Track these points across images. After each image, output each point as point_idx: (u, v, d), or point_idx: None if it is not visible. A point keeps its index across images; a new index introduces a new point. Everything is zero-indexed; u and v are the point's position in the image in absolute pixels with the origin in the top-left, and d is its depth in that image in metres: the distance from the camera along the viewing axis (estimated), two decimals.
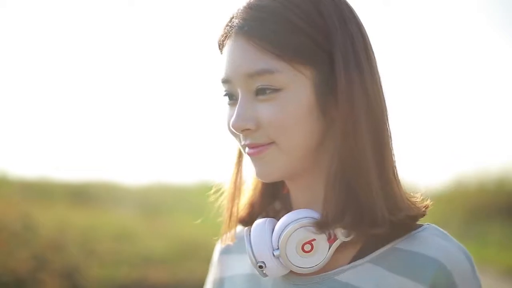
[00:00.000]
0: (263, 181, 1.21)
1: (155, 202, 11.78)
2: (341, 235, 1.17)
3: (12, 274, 5.80)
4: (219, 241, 1.37)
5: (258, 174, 1.19)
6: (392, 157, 1.19)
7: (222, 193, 1.31)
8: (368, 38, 1.20)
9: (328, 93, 1.16)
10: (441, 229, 1.21)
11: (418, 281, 1.13)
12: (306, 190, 1.22)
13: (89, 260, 6.53)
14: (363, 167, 1.15)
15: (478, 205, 13.53)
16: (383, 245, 1.18)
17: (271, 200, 1.29)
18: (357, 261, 1.18)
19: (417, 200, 1.21)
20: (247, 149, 1.18)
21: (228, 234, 1.30)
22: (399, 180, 1.19)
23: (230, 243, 1.30)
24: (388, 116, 1.20)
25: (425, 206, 1.21)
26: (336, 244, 1.18)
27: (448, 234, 1.20)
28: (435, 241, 1.17)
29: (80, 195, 11.24)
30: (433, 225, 1.21)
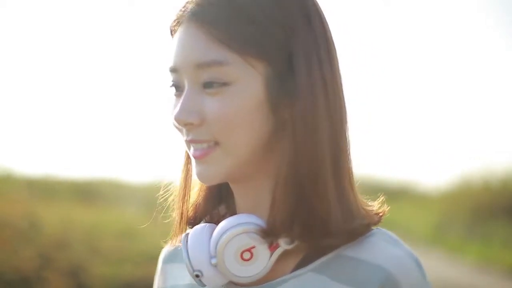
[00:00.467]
0: (204, 183, 1.14)
1: (161, 201, 11.78)
2: (283, 243, 1.09)
3: (16, 272, 5.81)
4: (165, 248, 1.29)
5: (199, 176, 1.11)
6: (349, 163, 1.12)
7: (172, 192, 1.23)
8: (331, 37, 1.13)
9: (281, 91, 1.09)
10: (391, 234, 1.12)
11: None
12: (250, 194, 1.14)
13: (94, 258, 6.54)
14: (320, 173, 1.07)
15: (483, 204, 13.51)
16: (328, 252, 1.10)
17: (217, 203, 1.20)
18: (300, 270, 1.11)
19: (372, 208, 1.13)
20: (192, 150, 1.11)
21: (178, 237, 1.21)
22: (354, 188, 1.12)
23: (180, 245, 1.20)
24: (347, 121, 1.13)
25: (380, 214, 1.14)
26: (278, 252, 1.10)
27: (398, 239, 1.12)
28: (383, 247, 1.09)
29: (85, 193, 11.25)
30: (383, 229, 1.13)
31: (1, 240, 6.10)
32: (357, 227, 1.09)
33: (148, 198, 12.12)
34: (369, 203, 1.15)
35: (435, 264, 10.46)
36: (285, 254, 1.11)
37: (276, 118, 1.09)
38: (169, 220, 1.26)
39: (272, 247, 1.10)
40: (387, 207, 1.15)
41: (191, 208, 1.20)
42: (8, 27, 14.75)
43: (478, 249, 11.40)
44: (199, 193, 1.21)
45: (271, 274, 1.12)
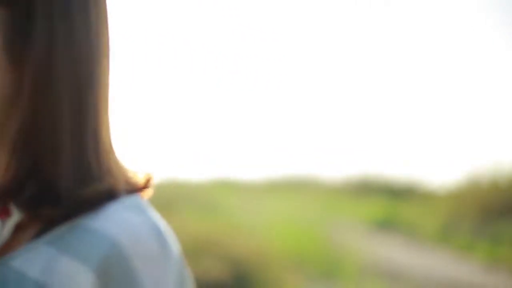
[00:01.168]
0: None
1: (167, 199, 11.81)
2: (16, 211, 0.97)
3: None
4: None
5: None
6: (96, 120, 0.99)
7: None
8: None
9: (21, 39, 0.98)
10: (139, 201, 1.00)
11: (85, 263, 0.94)
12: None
13: None
14: (54, 136, 0.96)
15: (492, 203, 13.49)
16: (65, 221, 0.97)
17: None
18: (34, 242, 0.98)
19: (133, 177, 1.02)
20: None
21: None
22: (102, 155, 1.00)
23: None
24: (106, 74, 1.01)
25: (140, 184, 1.02)
26: (12, 220, 0.98)
27: (144, 207, 1.00)
28: (118, 214, 0.96)
29: None
30: (135, 197, 1.00)
31: None
32: (94, 194, 0.96)
33: (155, 197, 12.14)
34: (132, 173, 1.02)
35: (443, 264, 10.44)
36: (26, 226, 0.99)
37: (17, 71, 0.98)
38: (190, 216, 1.19)
39: (2, 214, 0.97)
40: (152, 177, 1.04)
41: None
42: None
43: (487, 248, 11.37)
44: None
45: (10, 248, 1.00)
